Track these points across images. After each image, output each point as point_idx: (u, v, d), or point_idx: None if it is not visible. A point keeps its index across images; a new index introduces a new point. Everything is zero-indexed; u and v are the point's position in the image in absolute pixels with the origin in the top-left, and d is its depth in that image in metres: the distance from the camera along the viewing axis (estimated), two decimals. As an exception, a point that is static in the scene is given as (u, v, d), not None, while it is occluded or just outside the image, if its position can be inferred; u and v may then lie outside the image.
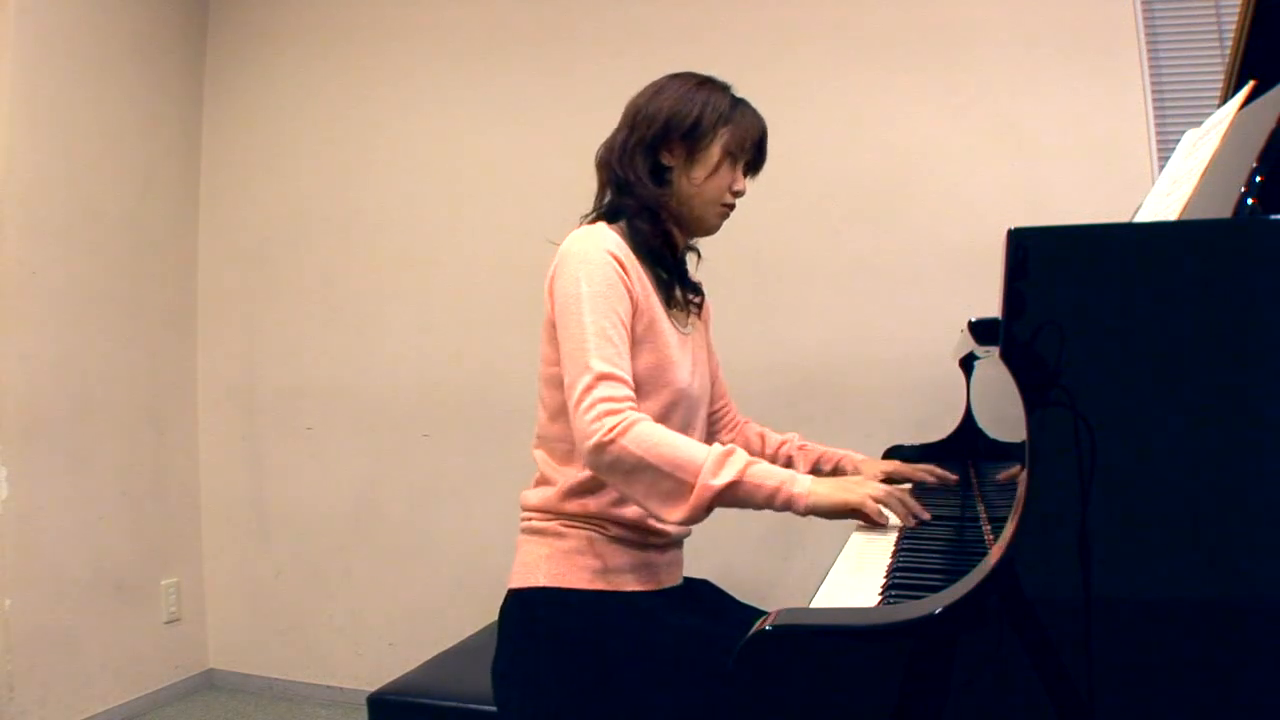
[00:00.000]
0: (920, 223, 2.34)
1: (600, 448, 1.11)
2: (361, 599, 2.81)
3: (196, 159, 2.99)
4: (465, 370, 2.71)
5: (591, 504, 1.26)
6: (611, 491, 1.25)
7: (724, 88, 1.37)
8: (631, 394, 1.17)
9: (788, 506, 1.14)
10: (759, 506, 1.14)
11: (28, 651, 2.36)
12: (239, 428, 2.95)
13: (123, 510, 2.67)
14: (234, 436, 2.95)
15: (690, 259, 1.46)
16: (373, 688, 1.54)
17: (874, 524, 1.22)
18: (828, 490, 1.16)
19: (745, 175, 1.38)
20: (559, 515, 1.27)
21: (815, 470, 1.57)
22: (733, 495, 1.12)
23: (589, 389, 1.13)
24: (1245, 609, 0.70)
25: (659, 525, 1.27)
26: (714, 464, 1.11)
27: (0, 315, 2.36)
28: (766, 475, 1.14)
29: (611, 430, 1.11)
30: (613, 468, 1.13)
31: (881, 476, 1.49)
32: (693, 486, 1.10)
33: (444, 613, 2.67)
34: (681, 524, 1.13)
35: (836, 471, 1.56)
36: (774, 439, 1.63)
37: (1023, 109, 2.28)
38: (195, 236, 2.98)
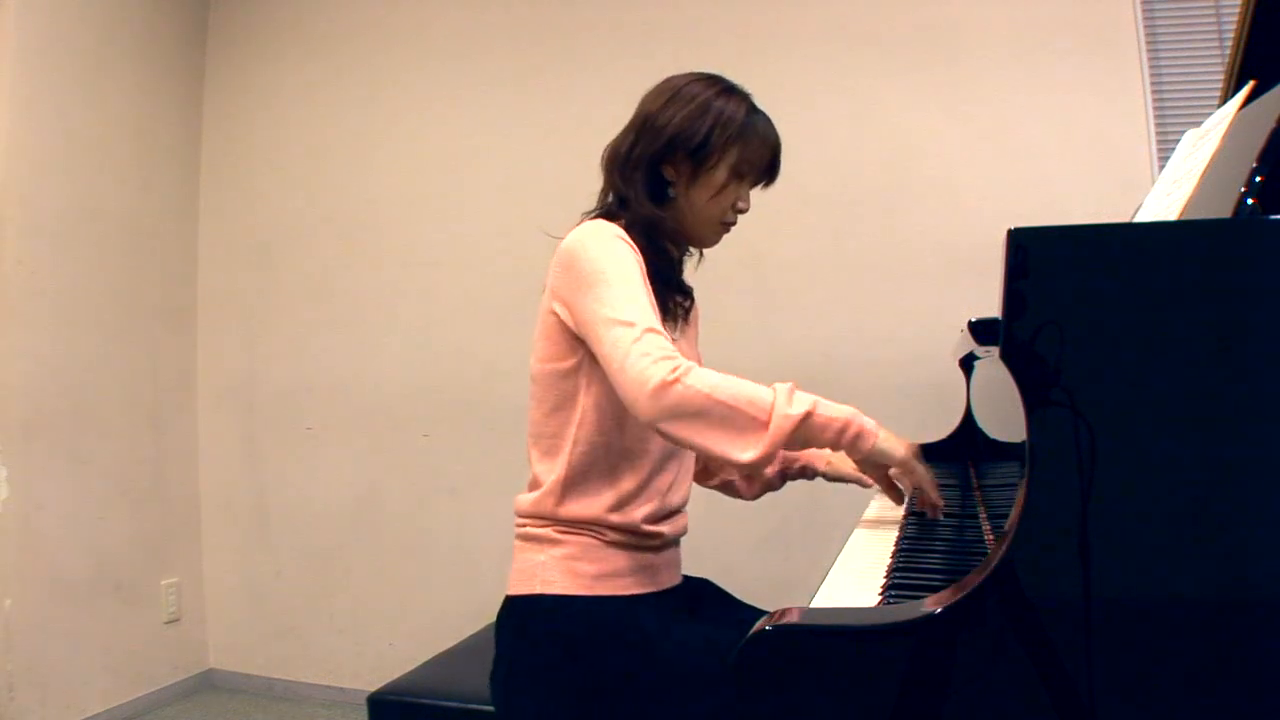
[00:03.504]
0: (920, 223, 2.34)
1: (664, 387, 1.04)
2: (361, 599, 2.81)
3: (196, 159, 2.99)
4: (465, 370, 2.71)
5: (586, 509, 1.23)
6: (606, 494, 1.23)
7: (742, 98, 1.30)
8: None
9: (856, 440, 1.12)
10: (828, 441, 1.11)
11: (28, 651, 2.36)
12: (239, 428, 2.95)
13: (123, 510, 2.67)
14: (234, 436, 2.95)
15: (689, 259, 1.42)
16: (373, 688, 1.53)
17: (890, 497, 1.29)
18: (892, 439, 1.16)
19: (757, 185, 1.34)
20: (554, 521, 1.24)
21: (783, 471, 1.57)
22: (807, 427, 1.08)
23: (637, 340, 1.08)
24: (1245, 609, 0.70)
25: (654, 529, 1.26)
26: (785, 396, 1.08)
27: (0, 315, 2.36)
28: (835, 408, 1.12)
29: (674, 371, 1.05)
30: (677, 409, 1.05)
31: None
32: (767, 421, 1.06)
33: (444, 613, 2.67)
34: (755, 462, 1.07)
35: (805, 471, 1.56)
36: None
37: (1023, 109, 2.28)
38: (195, 236, 2.98)
